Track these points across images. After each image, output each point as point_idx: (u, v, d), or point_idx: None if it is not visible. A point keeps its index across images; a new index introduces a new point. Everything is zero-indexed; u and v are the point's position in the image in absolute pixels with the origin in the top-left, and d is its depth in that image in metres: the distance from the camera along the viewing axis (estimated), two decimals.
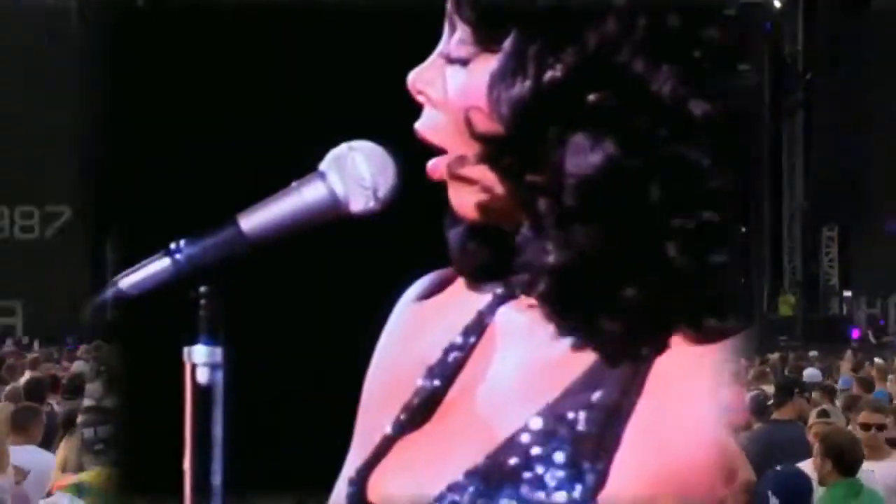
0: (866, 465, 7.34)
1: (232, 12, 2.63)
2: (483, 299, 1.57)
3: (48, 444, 8.16)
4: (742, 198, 1.46)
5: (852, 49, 29.45)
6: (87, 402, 10.27)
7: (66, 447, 6.72)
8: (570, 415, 1.42)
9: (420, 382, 1.57)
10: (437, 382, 1.56)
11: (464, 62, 1.47)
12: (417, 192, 1.49)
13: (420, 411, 1.56)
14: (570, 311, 1.43)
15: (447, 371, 1.57)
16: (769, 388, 10.62)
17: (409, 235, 1.71)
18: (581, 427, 1.41)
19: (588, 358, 1.44)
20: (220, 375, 1.45)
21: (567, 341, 1.45)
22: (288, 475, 2.10)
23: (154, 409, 1.70)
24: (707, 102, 1.40)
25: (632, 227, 1.39)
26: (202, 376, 1.45)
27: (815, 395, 10.47)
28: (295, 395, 2.09)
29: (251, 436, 1.70)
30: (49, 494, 5.21)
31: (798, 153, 32.06)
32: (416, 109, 1.52)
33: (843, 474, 7.12)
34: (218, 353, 1.45)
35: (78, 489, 4.99)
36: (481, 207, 1.48)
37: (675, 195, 1.39)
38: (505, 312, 1.54)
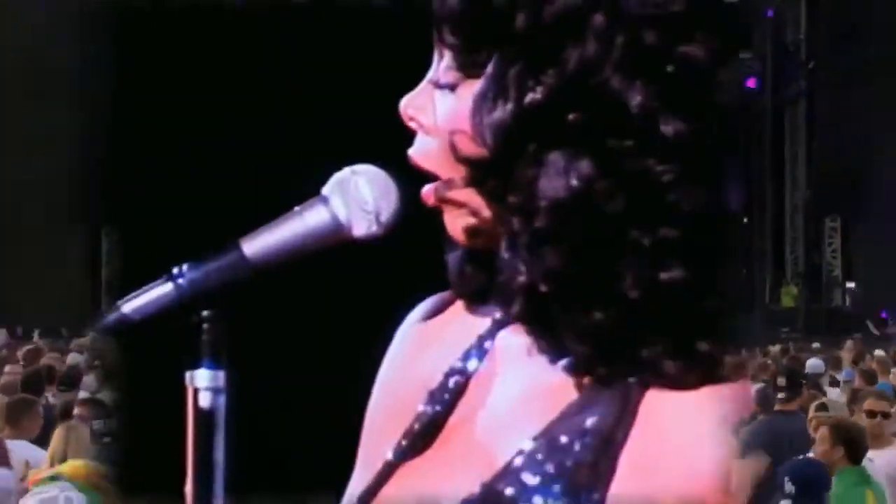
0: (868, 454, 7.43)
1: (233, 14, 2.63)
2: (483, 322, 1.58)
3: (45, 437, 8.14)
4: (726, 211, 1.46)
5: (855, 37, 29.44)
6: (82, 395, 10.24)
7: (55, 439, 6.71)
8: (565, 441, 1.43)
9: (421, 408, 1.58)
10: (437, 408, 1.57)
11: (451, 87, 1.49)
12: (420, 217, 1.50)
13: (421, 437, 1.57)
14: (543, 332, 1.45)
15: (448, 396, 1.57)
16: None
17: (412, 260, 1.72)
18: (576, 454, 1.42)
19: (581, 382, 1.45)
20: (222, 400, 1.46)
21: (562, 365, 1.46)
22: (290, 499, 2.12)
23: (156, 433, 1.71)
24: (683, 119, 1.41)
25: (605, 247, 1.40)
26: (204, 400, 1.46)
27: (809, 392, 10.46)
28: (297, 418, 2.11)
29: (253, 460, 1.71)
30: (25, 490, 5.16)
31: (800, 142, 32.05)
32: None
33: (853, 462, 7.20)
34: (220, 377, 1.46)
35: (54, 481, 4.96)
36: (469, 231, 1.50)
37: (649, 214, 1.40)
38: (505, 336, 1.55)
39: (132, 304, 1.48)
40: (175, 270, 1.47)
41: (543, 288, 1.41)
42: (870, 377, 13.54)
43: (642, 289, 1.39)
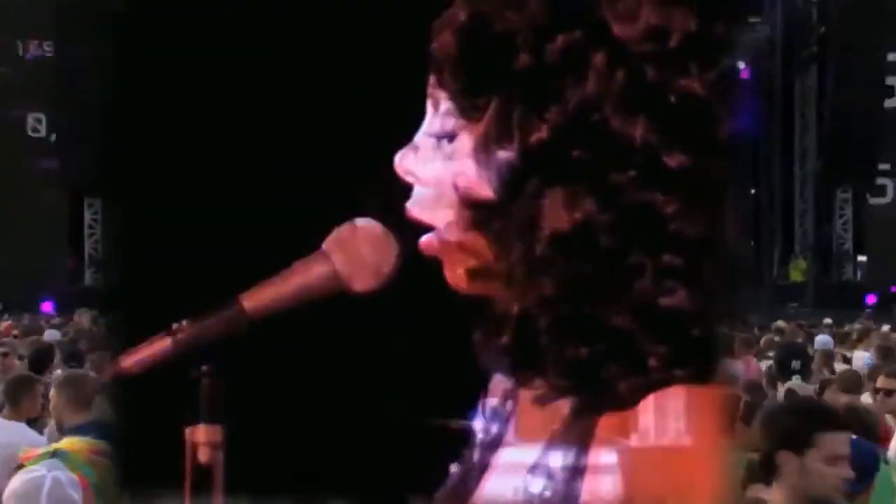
0: None
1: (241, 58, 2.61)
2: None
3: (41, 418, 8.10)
4: (727, 238, 1.50)
5: (867, 1, 29.30)
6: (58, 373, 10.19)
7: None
8: (538, 489, 1.47)
9: (452, 468, 1.63)
10: (465, 465, 1.62)
11: (450, 136, 1.52)
12: (419, 271, 1.54)
13: (462, 484, 1.61)
14: (528, 364, 1.49)
15: (477, 454, 1.62)
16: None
17: (409, 312, 1.75)
18: (547, 497, 1.46)
19: (558, 419, 1.49)
20: (220, 455, 1.50)
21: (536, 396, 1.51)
22: None
23: (154, 487, 1.74)
24: (685, 151, 1.45)
25: (603, 278, 1.44)
26: (203, 456, 1.50)
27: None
28: (295, 471, 2.13)
29: None
30: (20, 467, 5.09)
31: (811, 110, 31.87)
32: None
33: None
34: (218, 432, 1.50)
35: (53, 457, 4.91)
36: (472, 274, 1.54)
37: (652, 243, 1.44)
38: (524, 391, 1.58)
39: (132, 359, 1.51)
40: (174, 326, 1.51)
41: (536, 317, 1.45)
42: (884, 354, 13.52)
43: (639, 319, 1.43)
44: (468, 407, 1.61)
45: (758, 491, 7.02)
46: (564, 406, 1.51)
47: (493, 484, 1.58)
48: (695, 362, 1.45)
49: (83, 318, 17.43)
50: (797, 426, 3.56)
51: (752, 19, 28.81)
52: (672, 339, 1.44)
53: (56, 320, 18.79)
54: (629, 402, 1.45)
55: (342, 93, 2.32)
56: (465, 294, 1.55)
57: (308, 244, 1.55)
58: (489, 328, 1.52)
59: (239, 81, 2.55)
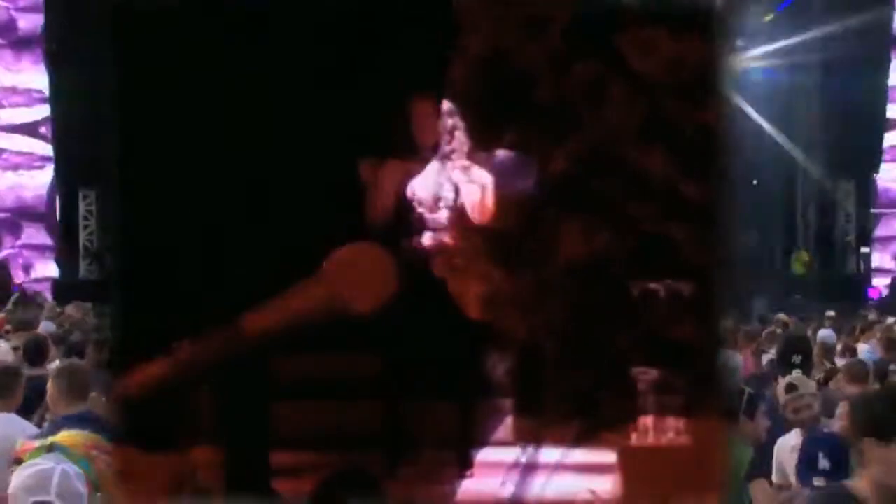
0: None
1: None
2: None
3: (31, 410, 8.11)
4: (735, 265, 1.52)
5: None
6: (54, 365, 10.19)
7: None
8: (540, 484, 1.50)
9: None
10: (512, 485, 1.65)
11: (465, 165, 1.54)
12: (418, 292, 1.55)
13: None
14: (532, 389, 1.51)
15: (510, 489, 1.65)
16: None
17: (410, 331, 1.77)
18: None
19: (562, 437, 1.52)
20: (220, 476, 1.52)
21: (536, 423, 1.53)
22: None
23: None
24: (702, 182, 1.47)
25: (613, 306, 1.46)
26: (202, 476, 1.51)
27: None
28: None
29: None
30: (18, 460, 5.11)
31: (814, 100, 31.80)
32: None
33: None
34: (218, 453, 1.52)
35: (49, 451, 4.92)
36: (481, 300, 1.55)
37: (659, 275, 1.46)
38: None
39: (132, 379, 1.53)
40: (174, 346, 1.53)
41: (543, 343, 1.47)
42: (888, 347, 13.52)
43: (646, 347, 1.45)
44: (472, 430, 1.62)
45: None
46: (568, 427, 1.53)
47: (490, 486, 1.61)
48: (697, 388, 1.47)
49: (75, 310, 17.44)
50: (885, 415, 3.51)
51: (754, 8, 28.77)
52: (676, 365, 1.46)
53: (51, 304, 18.78)
54: (631, 425, 1.47)
55: (348, 107, 2.33)
56: (473, 318, 1.57)
57: (309, 259, 1.56)
58: (496, 353, 1.55)
59: (241, 82, 2.56)
